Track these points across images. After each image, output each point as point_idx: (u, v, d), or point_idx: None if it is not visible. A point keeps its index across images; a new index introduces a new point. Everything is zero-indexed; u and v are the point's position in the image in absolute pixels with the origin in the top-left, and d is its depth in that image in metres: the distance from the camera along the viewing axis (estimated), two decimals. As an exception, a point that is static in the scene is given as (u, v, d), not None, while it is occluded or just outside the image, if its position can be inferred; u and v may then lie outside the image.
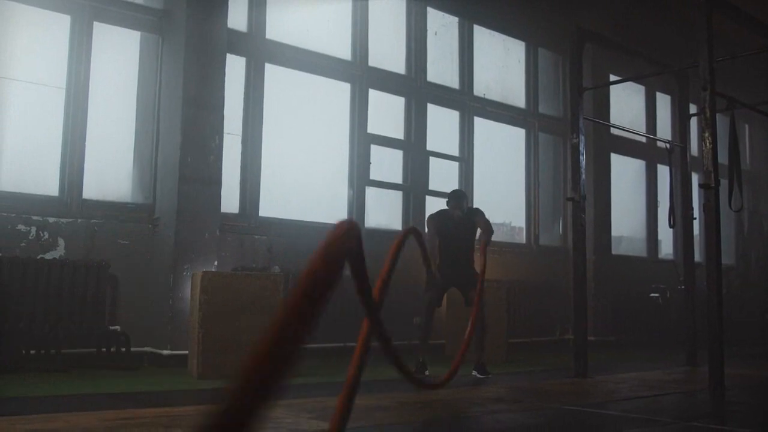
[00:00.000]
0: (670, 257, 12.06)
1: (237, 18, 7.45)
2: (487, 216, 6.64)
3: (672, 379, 6.58)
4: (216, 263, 6.73)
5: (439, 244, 6.53)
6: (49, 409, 3.85)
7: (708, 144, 5.72)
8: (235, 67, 7.36)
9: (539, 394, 5.39)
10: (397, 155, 8.81)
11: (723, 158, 7.55)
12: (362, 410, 4.14)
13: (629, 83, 11.09)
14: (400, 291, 8.01)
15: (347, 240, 1.06)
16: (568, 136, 9.87)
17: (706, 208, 5.66)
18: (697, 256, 8.45)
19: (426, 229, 6.63)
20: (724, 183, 7.58)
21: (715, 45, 5.83)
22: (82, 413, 3.72)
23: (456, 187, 9.09)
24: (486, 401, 4.91)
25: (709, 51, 5.76)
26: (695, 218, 7.84)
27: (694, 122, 9.10)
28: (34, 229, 6.12)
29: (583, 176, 6.58)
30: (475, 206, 6.80)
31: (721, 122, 9.46)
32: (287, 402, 4.39)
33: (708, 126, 5.73)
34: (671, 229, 8.55)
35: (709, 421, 4.47)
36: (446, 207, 6.68)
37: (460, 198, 6.62)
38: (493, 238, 9.43)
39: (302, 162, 8.04)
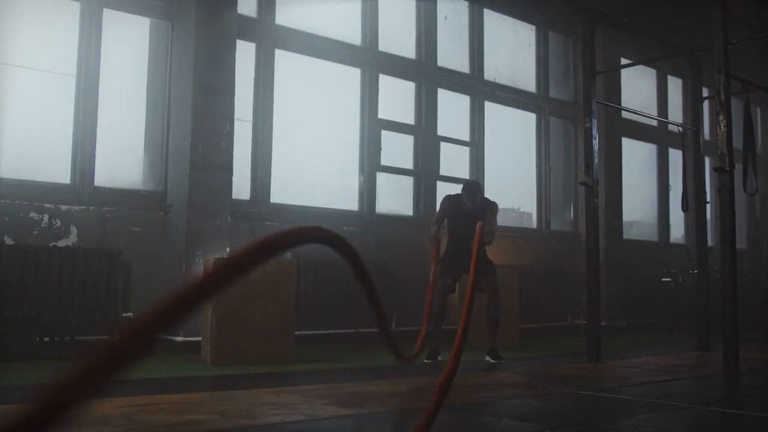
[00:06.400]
0: (682, 242, 12.01)
1: (246, 3, 7.42)
2: (499, 210, 6.61)
3: (685, 363, 6.56)
4: (228, 249, 6.73)
5: (449, 230, 6.49)
6: (65, 396, 3.84)
7: (722, 127, 5.67)
8: (245, 53, 7.33)
9: (553, 379, 5.38)
10: (408, 140, 8.78)
11: (737, 142, 7.48)
12: (377, 395, 4.14)
13: (640, 67, 11.02)
14: (413, 277, 8.01)
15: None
16: (579, 120, 9.84)
17: (720, 191, 5.62)
18: (710, 241, 8.40)
19: (437, 208, 6.64)
20: (738, 167, 7.52)
21: (729, 27, 5.77)
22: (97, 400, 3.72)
23: (467, 173, 9.08)
24: (500, 386, 4.91)
25: (723, 32, 5.70)
26: (708, 202, 7.78)
27: (706, 106, 9.06)
28: (46, 217, 6.13)
29: (596, 160, 6.54)
30: (491, 200, 6.70)
31: (735, 106, 9.39)
32: (301, 388, 4.40)
33: (722, 109, 5.68)
34: (682, 214, 8.50)
35: (725, 405, 4.46)
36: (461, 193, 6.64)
37: (474, 191, 6.54)
38: (505, 222, 9.48)
39: (313, 148, 8.02)
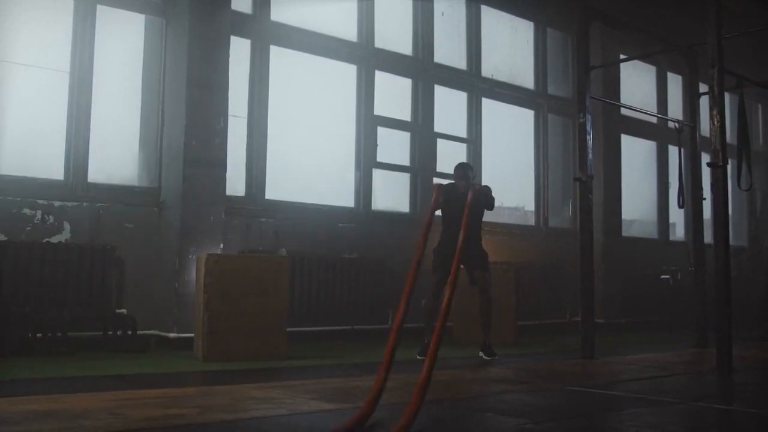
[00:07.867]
0: (683, 239, 11.96)
1: (241, 0, 7.40)
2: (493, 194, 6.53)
3: (681, 360, 6.54)
4: (222, 246, 6.72)
5: (442, 221, 6.43)
6: (52, 391, 3.86)
7: (716, 122, 5.65)
8: (239, 50, 7.31)
9: (545, 375, 5.36)
10: (404, 137, 8.76)
11: (733, 138, 7.45)
12: (363, 391, 4.12)
13: (640, 64, 10.99)
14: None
15: None
16: (576, 116, 9.79)
17: (714, 186, 5.60)
18: (708, 238, 8.36)
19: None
20: (733, 162, 7.45)
21: (723, 22, 5.74)
22: (83, 394, 3.73)
23: (464, 168, 9.04)
24: (490, 382, 4.89)
25: (717, 27, 5.67)
26: (705, 198, 7.74)
27: (704, 102, 9.02)
28: (39, 213, 6.13)
29: (591, 156, 6.51)
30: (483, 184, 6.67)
31: (733, 102, 9.34)
32: (287, 383, 4.39)
33: (716, 104, 5.66)
34: (684, 212, 8.44)
35: (716, 401, 4.44)
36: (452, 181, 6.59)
37: (465, 168, 6.53)
38: (503, 219, 9.44)
39: (308, 144, 8.00)
